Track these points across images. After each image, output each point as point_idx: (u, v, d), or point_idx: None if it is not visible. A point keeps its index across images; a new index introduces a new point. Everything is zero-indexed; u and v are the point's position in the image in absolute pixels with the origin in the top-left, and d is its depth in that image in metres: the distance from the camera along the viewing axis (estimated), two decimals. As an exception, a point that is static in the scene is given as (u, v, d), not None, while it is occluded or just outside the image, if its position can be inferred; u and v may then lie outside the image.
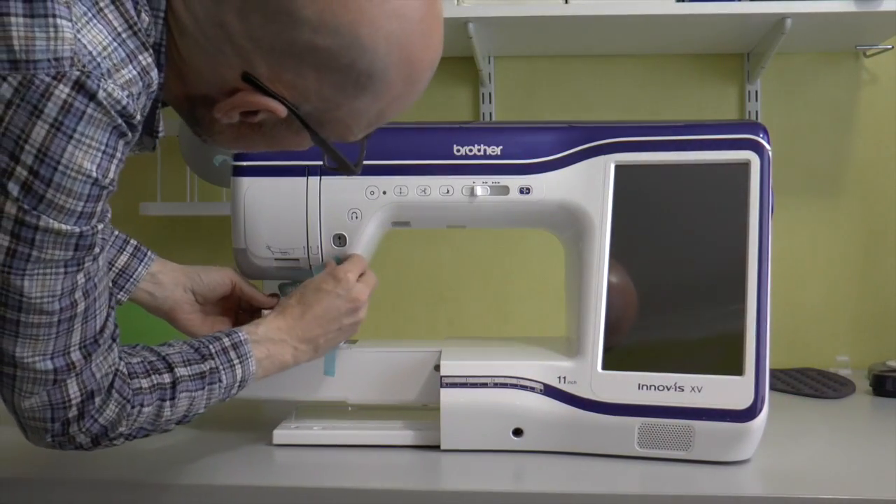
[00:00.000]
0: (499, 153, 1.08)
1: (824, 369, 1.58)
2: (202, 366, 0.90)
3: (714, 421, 0.98)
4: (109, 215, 0.76)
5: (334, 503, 0.93)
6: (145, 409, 0.85)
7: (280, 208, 1.09)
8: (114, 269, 1.05)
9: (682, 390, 0.99)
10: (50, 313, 0.73)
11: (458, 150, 1.08)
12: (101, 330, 0.79)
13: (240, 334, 0.95)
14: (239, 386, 0.94)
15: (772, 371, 1.10)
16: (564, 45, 1.66)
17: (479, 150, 1.08)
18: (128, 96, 0.70)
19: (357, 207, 1.09)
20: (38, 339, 0.74)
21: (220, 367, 0.91)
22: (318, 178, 1.09)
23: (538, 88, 1.74)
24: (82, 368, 0.78)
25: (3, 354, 0.75)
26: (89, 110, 0.68)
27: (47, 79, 0.66)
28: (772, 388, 1.10)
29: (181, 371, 0.88)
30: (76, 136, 0.68)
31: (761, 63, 1.61)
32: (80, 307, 0.76)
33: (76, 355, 0.77)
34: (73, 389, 0.78)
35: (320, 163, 1.08)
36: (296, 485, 0.94)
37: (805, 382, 1.45)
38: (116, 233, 1.07)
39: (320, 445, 1.06)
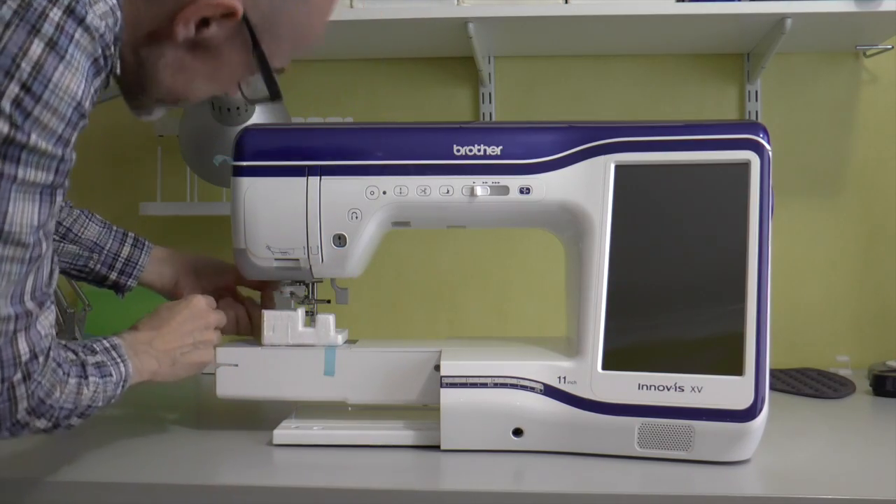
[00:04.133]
0: (499, 153, 1.08)
1: (824, 369, 1.58)
2: (95, 357, 0.92)
3: (714, 421, 0.98)
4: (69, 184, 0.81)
5: (334, 503, 0.93)
6: (71, 381, 0.87)
7: (280, 208, 1.09)
8: (120, 258, 1.17)
9: (682, 390, 0.99)
10: (25, 246, 0.77)
11: (458, 150, 1.08)
12: (49, 282, 0.82)
13: (113, 338, 0.97)
14: (123, 385, 0.95)
15: (772, 371, 1.10)
16: (564, 45, 1.66)
17: (479, 150, 1.08)
18: (105, 27, 0.77)
19: (357, 207, 1.09)
20: (9, 278, 0.76)
21: (108, 363, 0.93)
22: (318, 178, 1.09)
23: (538, 88, 1.74)
24: (33, 321, 0.80)
25: None
26: (77, 34, 0.75)
27: (44, 2, 0.73)
28: (772, 388, 1.10)
29: (84, 356, 0.90)
30: (67, 56, 0.75)
31: (761, 63, 1.61)
32: (43, 247, 0.79)
33: (31, 304, 0.79)
34: (23, 346, 0.80)
35: (320, 162, 1.08)
36: (296, 485, 0.94)
37: (805, 382, 1.45)
38: (115, 227, 1.18)
39: (320, 445, 1.06)
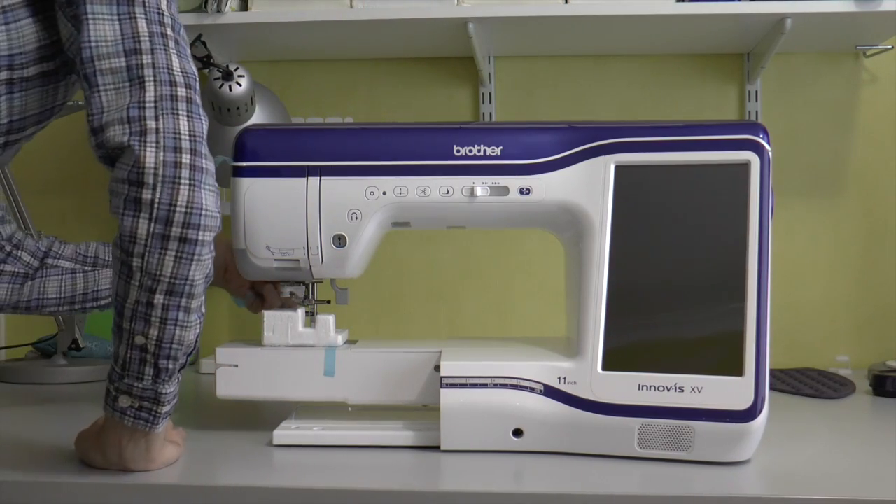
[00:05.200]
0: (499, 153, 1.08)
1: (824, 369, 1.58)
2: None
3: (714, 421, 0.98)
4: None
5: (334, 504, 0.93)
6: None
7: (280, 209, 1.09)
8: None
9: (682, 391, 0.99)
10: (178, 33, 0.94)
11: (458, 151, 1.08)
12: None
13: None
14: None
15: (772, 371, 1.10)
16: (564, 45, 1.66)
17: (479, 151, 1.08)
18: None
19: (357, 208, 1.09)
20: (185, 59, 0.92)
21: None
22: (318, 178, 1.09)
23: (538, 88, 1.74)
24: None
25: (181, 73, 0.90)
26: None
27: None
28: (772, 388, 1.10)
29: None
30: None
31: (761, 63, 1.61)
32: None
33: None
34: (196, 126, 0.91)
35: (320, 163, 1.09)
36: (295, 485, 0.94)
37: (805, 382, 1.45)
38: None
39: (320, 446, 1.06)
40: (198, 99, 0.91)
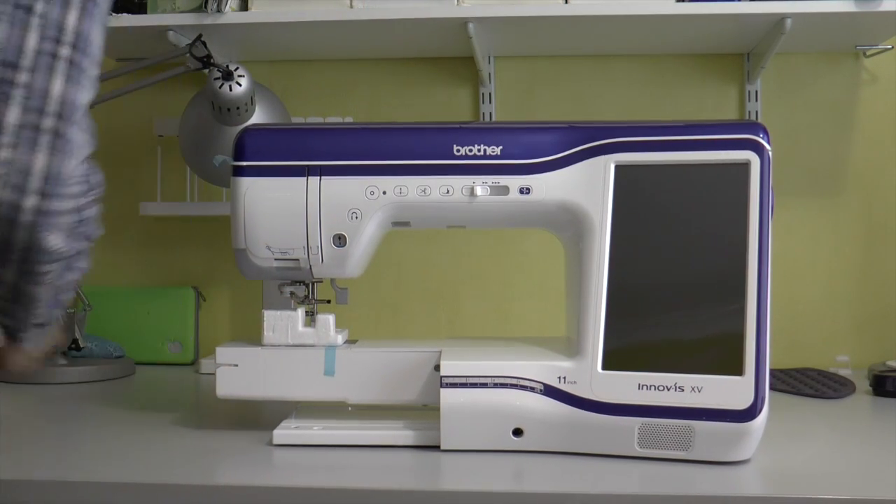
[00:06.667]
0: (499, 153, 1.08)
1: (824, 369, 1.58)
2: None
3: (714, 421, 0.98)
4: None
5: (334, 503, 0.93)
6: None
7: (280, 208, 1.09)
8: None
9: (682, 390, 0.99)
10: (97, 63, 0.83)
11: (458, 150, 1.08)
12: None
13: None
14: None
15: (772, 371, 1.10)
16: (564, 45, 1.66)
17: (479, 150, 1.08)
18: None
19: (357, 207, 1.09)
20: (86, 90, 0.82)
21: None
22: (318, 178, 1.09)
23: (538, 88, 1.74)
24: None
25: (68, 106, 0.80)
26: None
27: None
28: (772, 388, 1.10)
29: None
30: None
31: (761, 63, 1.61)
32: None
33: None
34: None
35: (320, 163, 1.09)
36: (296, 485, 0.94)
37: (805, 382, 1.45)
38: None
39: (320, 445, 1.06)
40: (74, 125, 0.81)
